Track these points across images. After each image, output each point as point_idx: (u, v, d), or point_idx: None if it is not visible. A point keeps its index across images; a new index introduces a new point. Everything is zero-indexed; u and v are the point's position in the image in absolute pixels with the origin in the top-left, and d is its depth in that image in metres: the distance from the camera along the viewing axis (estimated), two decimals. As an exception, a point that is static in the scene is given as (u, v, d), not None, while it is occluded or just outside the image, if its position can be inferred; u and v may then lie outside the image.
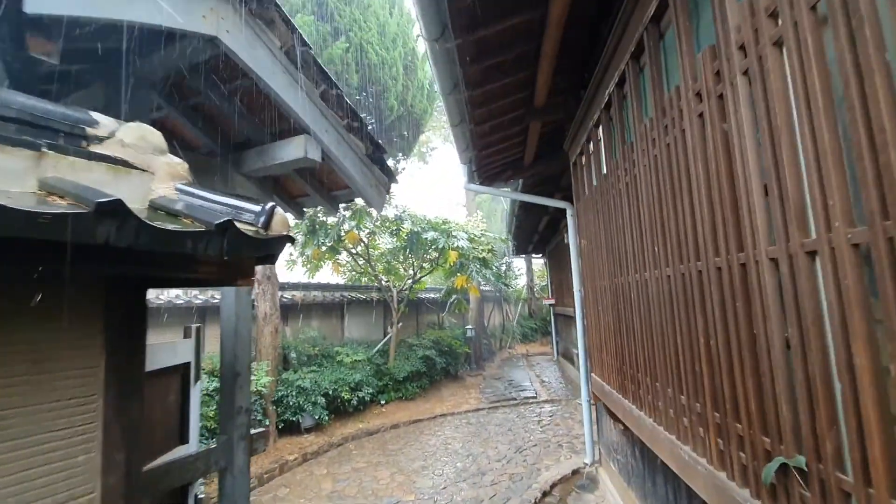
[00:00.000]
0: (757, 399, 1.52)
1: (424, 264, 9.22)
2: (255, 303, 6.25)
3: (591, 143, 3.65)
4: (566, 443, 5.72)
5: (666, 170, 2.14)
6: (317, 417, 6.30)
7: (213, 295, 6.34)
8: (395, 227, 7.84)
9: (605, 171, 3.30)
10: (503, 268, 15.21)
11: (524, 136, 4.92)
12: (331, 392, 6.62)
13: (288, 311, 7.63)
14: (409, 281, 9.02)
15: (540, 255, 13.82)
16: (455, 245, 7.25)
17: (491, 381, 10.17)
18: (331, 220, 7.50)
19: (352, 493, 4.68)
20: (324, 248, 7.68)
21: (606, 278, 3.33)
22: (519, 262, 19.17)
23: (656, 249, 2.33)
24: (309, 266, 7.73)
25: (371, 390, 7.39)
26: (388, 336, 8.88)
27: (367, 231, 8.07)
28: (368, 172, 2.95)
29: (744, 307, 1.58)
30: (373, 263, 8.76)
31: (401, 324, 8.89)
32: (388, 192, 3.27)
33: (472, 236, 7.69)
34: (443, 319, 12.18)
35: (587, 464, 4.65)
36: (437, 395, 8.86)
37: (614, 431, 4.02)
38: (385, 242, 9.46)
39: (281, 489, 4.92)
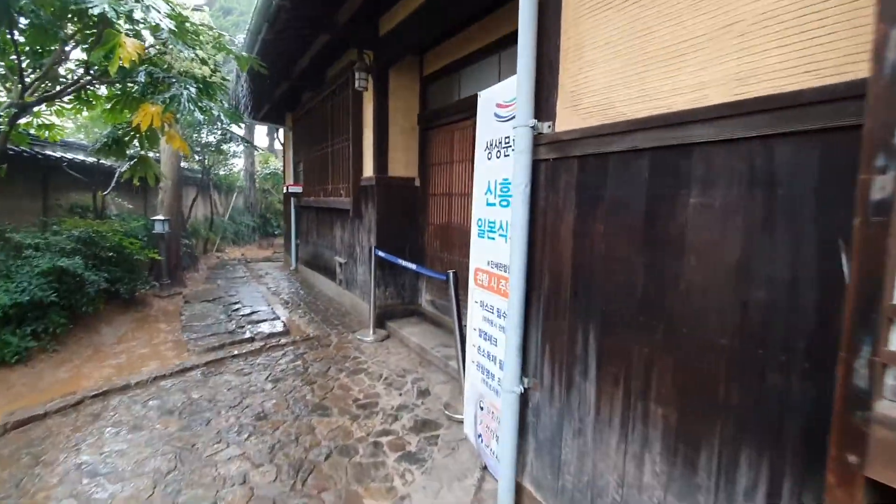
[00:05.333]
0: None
1: (52, 86, 4.29)
2: None
3: None
4: (391, 439, 3.04)
5: None
6: None
7: None
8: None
9: None
10: (217, 134, 10.49)
11: None
12: None
13: None
14: (11, 108, 4.02)
15: (277, 125, 9.84)
16: (137, 19, 3.05)
17: (198, 305, 6.36)
18: None
19: None
20: None
21: None
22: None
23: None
24: None
25: None
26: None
27: None
28: None
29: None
30: None
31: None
32: None
33: (181, 17, 3.50)
34: (105, 203, 7.14)
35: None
36: (86, 344, 4.62)
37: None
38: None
39: None
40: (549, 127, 1.83)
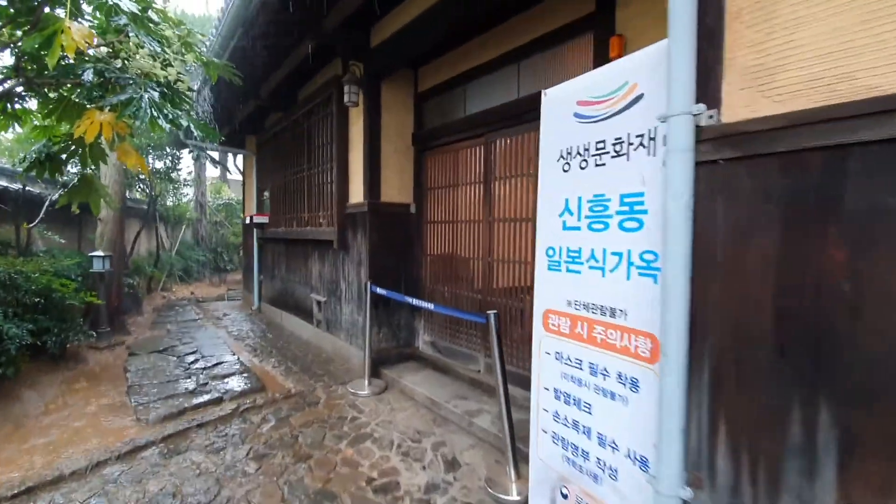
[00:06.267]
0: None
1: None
2: None
3: None
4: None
5: None
6: None
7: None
8: None
9: None
10: (167, 161, 9.51)
11: None
12: None
13: None
14: None
15: (236, 150, 9.00)
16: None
17: (146, 357, 5.34)
18: None
19: None
20: None
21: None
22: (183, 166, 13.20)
23: None
24: None
25: None
26: None
27: None
28: None
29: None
30: None
31: None
32: None
33: (146, 1, 2.81)
34: (31, 237, 6.04)
35: None
36: (3, 417, 3.59)
37: None
38: None
39: None
40: (712, 117, 1.31)
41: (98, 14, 3.04)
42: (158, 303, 9.48)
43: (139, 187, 10.25)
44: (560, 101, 2.06)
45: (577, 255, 1.94)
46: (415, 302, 3.46)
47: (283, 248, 6.97)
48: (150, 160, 9.65)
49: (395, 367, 4.58)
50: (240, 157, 9.71)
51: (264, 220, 7.36)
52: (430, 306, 3.25)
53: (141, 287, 9.54)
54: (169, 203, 11.97)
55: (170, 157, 9.56)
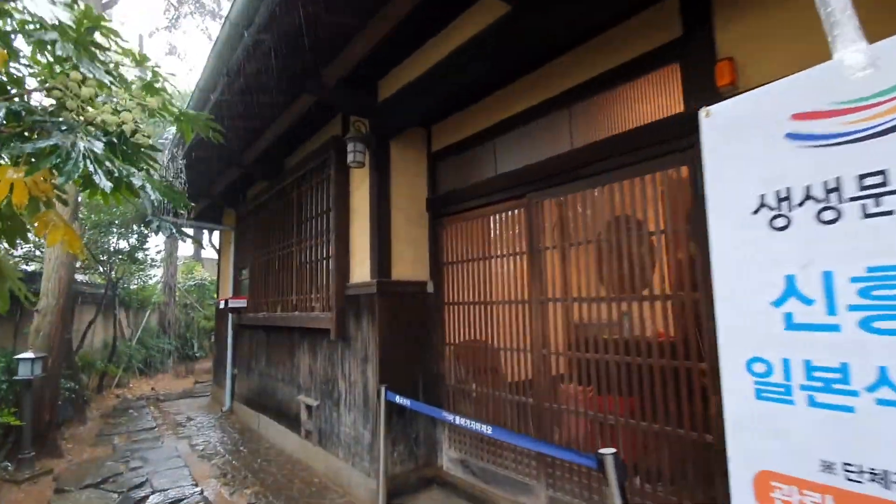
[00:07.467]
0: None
1: None
2: None
3: None
4: None
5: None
6: None
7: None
8: None
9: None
10: (132, 239, 8.51)
11: None
12: None
13: None
14: None
15: (212, 226, 8.10)
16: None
17: (77, 496, 4.03)
18: None
19: None
20: None
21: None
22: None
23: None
24: None
25: None
26: None
27: None
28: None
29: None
30: None
31: None
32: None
33: (92, 16, 2.07)
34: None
35: None
36: None
37: None
38: None
39: None
40: None
41: (40, 56, 2.25)
42: (109, 404, 8.02)
43: (98, 269, 9.12)
44: (745, 119, 1.29)
45: (838, 377, 1.07)
46: (462, 422, 2.46)
47: (264, 336, 5.88)
48: (114, 240, 8.64)
49: (414, 500, 3.45)
50: (216, 233, 8.81)
51: (242, 303, 6.32)
52: (488, 430, 2.25)
53: (90, 386, 8.14)
54: (133, 286, 10.76)
55: (136, 236, 8.56)
